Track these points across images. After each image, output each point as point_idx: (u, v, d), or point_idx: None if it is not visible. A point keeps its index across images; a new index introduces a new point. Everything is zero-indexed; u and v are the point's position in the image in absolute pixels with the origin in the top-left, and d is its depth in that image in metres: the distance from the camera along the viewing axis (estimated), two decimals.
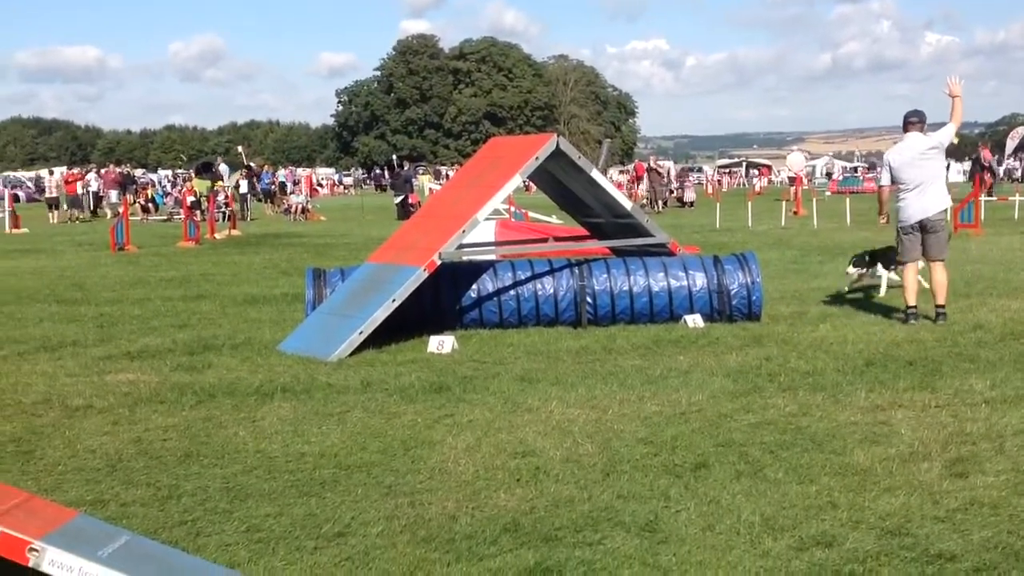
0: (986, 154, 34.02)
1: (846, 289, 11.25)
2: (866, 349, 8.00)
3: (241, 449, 5.58)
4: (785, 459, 5.14)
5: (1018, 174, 56.95)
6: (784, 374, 7.15)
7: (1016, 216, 23.36)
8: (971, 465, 4.95)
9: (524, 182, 11.99)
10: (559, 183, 10.92)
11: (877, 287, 11.18)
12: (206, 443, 5.72)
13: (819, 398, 6.43)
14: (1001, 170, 59.36)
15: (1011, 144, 62.77)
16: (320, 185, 64.50)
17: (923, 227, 9.27)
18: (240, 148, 51.36)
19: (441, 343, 8.35)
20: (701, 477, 4.92)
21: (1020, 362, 7.30)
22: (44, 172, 43.70)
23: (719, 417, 6.05)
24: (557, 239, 12.56)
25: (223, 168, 39.24)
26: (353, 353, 8.13)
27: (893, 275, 10.95)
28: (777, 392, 6.64)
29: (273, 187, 40.22)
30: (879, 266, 11.19)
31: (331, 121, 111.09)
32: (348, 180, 76.72)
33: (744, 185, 62.54)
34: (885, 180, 9.66)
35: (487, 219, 11.79)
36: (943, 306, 9.24)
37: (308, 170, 69.07)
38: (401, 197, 31.18)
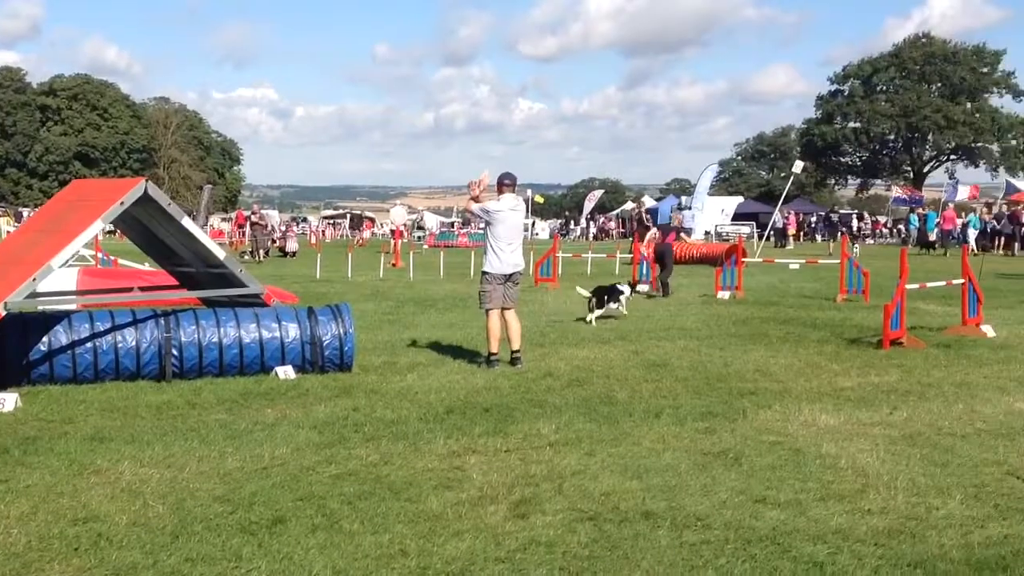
0: (678, 218, 36.99)
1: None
2: (448, 397, 8.33)
3: None
4: (362, 510, 5.20)
5: (592, 232, 62.52)
6: (370, 424, 7.26)
7: (589, 272, 25.54)
8: (532, 506, 5.28)
9: (110, 227, 11.35)
10: (149, 230, 10.43)
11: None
12: None
13: (400, 446, 6.59)
14: (579, 229, 64.98)
15: (588, 205, 68.93)
16: None
17: (510, 278, 9.99)
18: None
19: (2, 401, 7.61)
20: (276, 533, 4.84)
21: (583, 406, 7.92)
22: None
23: (301, 470, 6.00)
24: (143, 288, 11.95)
25: None
26: None
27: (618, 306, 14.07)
28: (361, 442, 6.72)
29: None
30: (606, 300, 13.86)
31: None
32: None
33: (347, 236, 63.38)
34: (484, 220, 10.14)
35: (69, 265, 11.00)
36: (519, 351, 9.94)
37: None
38: None
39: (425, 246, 42.33)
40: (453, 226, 60.34)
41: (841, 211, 61.90)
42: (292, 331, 9.44)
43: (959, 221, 41.65)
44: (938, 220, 41.80)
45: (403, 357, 10.59)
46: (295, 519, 5.04)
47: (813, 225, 59.17)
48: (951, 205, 44.83)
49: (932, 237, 41.52)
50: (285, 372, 9.19)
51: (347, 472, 5.98)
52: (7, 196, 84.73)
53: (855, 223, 57.08)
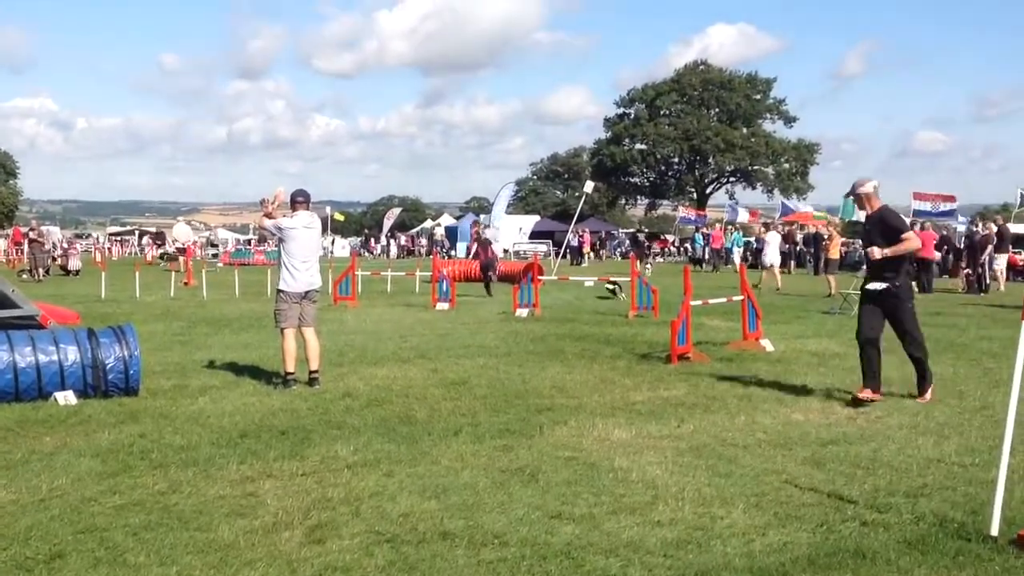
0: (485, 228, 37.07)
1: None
2: (242, 420, 8.10)
3: None
4: (148, 541, 4.96)
5: (393, 250, 62.40)
6: (157, 450, 6.96)
7: (389, 289, 25.47)
8: (329, 530, 5.18)
9: None
10: None
11: None
12: None
13: (190, 473, 6.34)
14: (379, 247, 64.75)
15: (388, 223, 68.76)
16: None
17: (306, 296, 9.86)
18: None
19: None
20: (55, 569, 4.56)
21: (381, 426, 7.86)
22: None
23: (82, 501, 5.68)
24: None
25: None
26: None
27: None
28: (148, 470, 6.43)
29: None
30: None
31: None
32: None
33: (136, 253, 60.80)
34: (277, 237, 10.01)
35: None
36: (317, 371, 9.80)
37: None
38: None
39: (219, 264, 41.08)
40: (250, 243, 58.89)
41: (645, 231, 64.49)
42: (72, 354, 8.95)
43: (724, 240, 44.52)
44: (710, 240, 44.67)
45: (195, 379, 10.22)
46: (75, 553, 4.77)
47: (608, 244, 61.16)
48: (718, 226, 48.00)
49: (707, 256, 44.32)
50: (65, 398, 8.70)
51: (132, 502, 5.70)
52: None
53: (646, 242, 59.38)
